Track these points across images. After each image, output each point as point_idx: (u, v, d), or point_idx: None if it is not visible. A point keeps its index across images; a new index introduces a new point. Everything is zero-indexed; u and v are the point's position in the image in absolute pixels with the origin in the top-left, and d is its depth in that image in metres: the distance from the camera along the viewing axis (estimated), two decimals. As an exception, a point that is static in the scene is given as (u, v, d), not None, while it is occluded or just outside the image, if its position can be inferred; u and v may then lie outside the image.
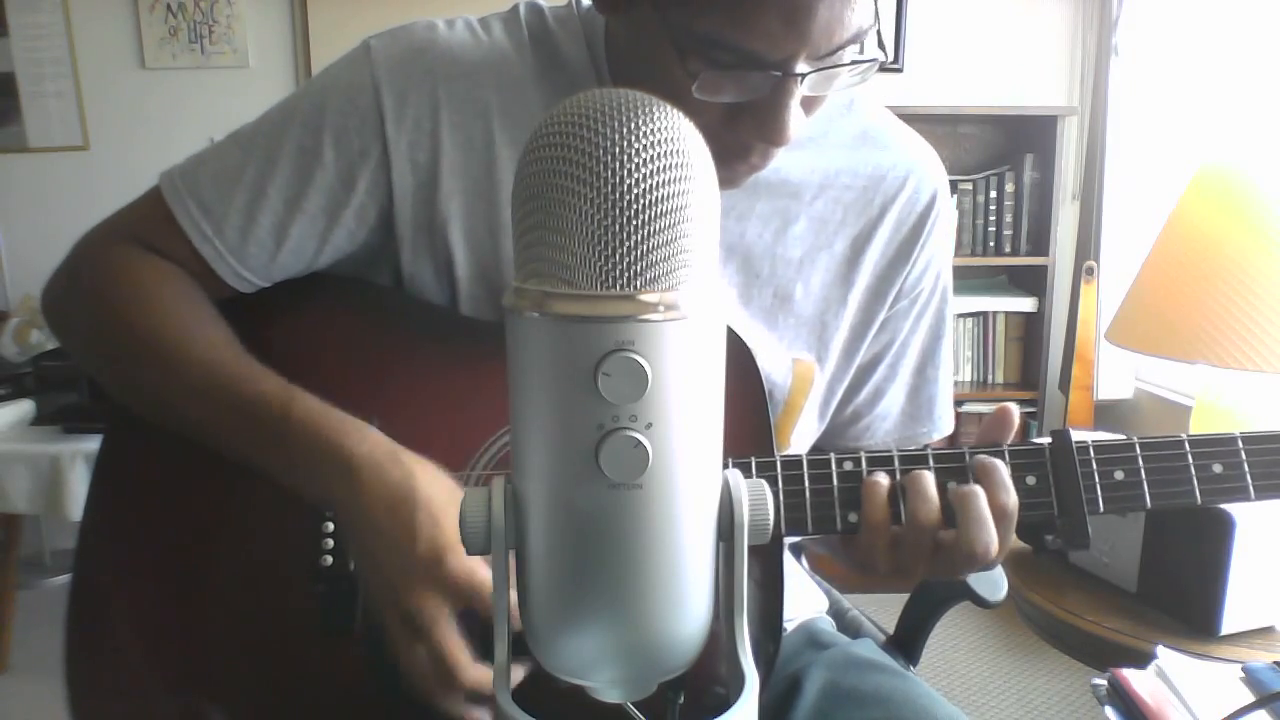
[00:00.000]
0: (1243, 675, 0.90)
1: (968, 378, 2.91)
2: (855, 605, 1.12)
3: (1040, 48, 2.90)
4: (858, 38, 0.61)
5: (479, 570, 0.62)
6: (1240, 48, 2.38)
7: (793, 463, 0.65)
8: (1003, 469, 0.63)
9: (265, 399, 0.67)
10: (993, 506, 0.62)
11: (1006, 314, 2.87)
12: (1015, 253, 2.84)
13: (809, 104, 0.65)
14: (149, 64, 2.78)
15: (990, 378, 2.91)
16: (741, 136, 0.64)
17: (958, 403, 2.77)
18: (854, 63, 0.63)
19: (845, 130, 0.81)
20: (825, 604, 1.04)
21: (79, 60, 2.76)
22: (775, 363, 0.80)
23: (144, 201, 0.76)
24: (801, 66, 0.60)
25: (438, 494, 0.64)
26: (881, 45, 0.65)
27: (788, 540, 0.89)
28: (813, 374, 0.82)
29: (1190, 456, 0.65)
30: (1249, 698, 0.85)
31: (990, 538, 0.62)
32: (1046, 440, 0.66)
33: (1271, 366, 1.27)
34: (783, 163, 0.74)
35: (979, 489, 0.62)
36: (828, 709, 0.80)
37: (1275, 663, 0.91)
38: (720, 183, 0.65)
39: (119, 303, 0.73)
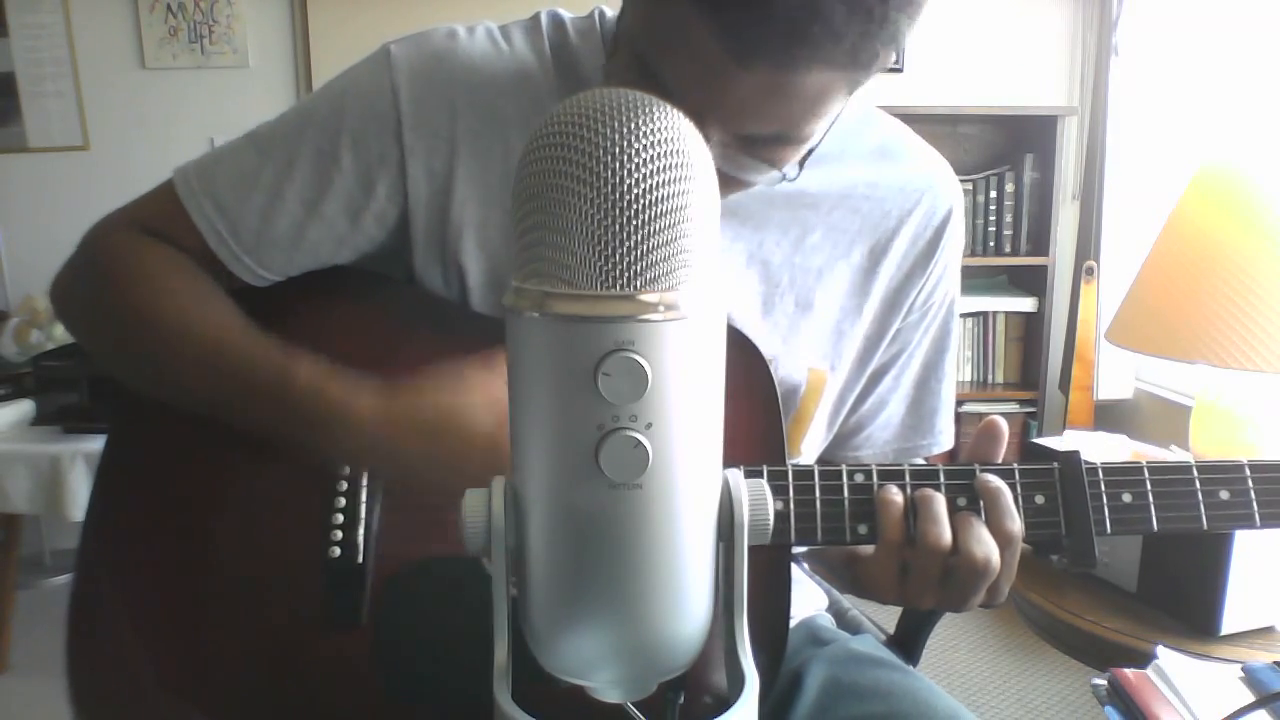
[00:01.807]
0: (1243, 675, 0.90)
1: (968, 378, 2.91)
2: (855, 605, 1.12)
3: (1040, 48, 2.90)
4: (782, 140, 0.61)
5: None
6: (1240, 48, 2.38)
7: (804, 473, 0.65)
8: (1008, 495, 0.63)
9: (268, 366, 0.68)
10: (998, 534, 0.62)
11: (1006, 314, 2.87)
12: (1015, 253, 2.84)
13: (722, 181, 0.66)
14: (149, 64, 2.78)
15: (990, 378, 2.91)
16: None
17: (958, 403, 2.77)
18: (771, 161, 0.63)
19: (863, 144, 0.81)
20: (825, 601, 1.04)
21: (79, 60, 2.76)
22: (793, 371, 0.80)
23: (157, 196, 0.76)
24: (711, 130, 0.59)
25: (457, 402, 0.65)
26: (801, 166, 0.65)
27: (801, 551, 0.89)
28: (824, 382, 0.82)
29: (1198, 482, 0.65)
30: (1249, 698, 0.85)
31: (991, 553, 0.62)
32: (1048, 443, 0.66)
33: (1271, 366, 1.27)
34: (801, 176, 0.74)
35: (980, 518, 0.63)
36: (829, 704, 0.80)
37: (1275, 663, 0.91)
38: None
39: (125, 281, 0.73)
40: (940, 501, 0.63)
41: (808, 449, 0.84)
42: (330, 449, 0.68)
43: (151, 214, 0.76)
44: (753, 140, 0.61)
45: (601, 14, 0.78)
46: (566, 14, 0.78)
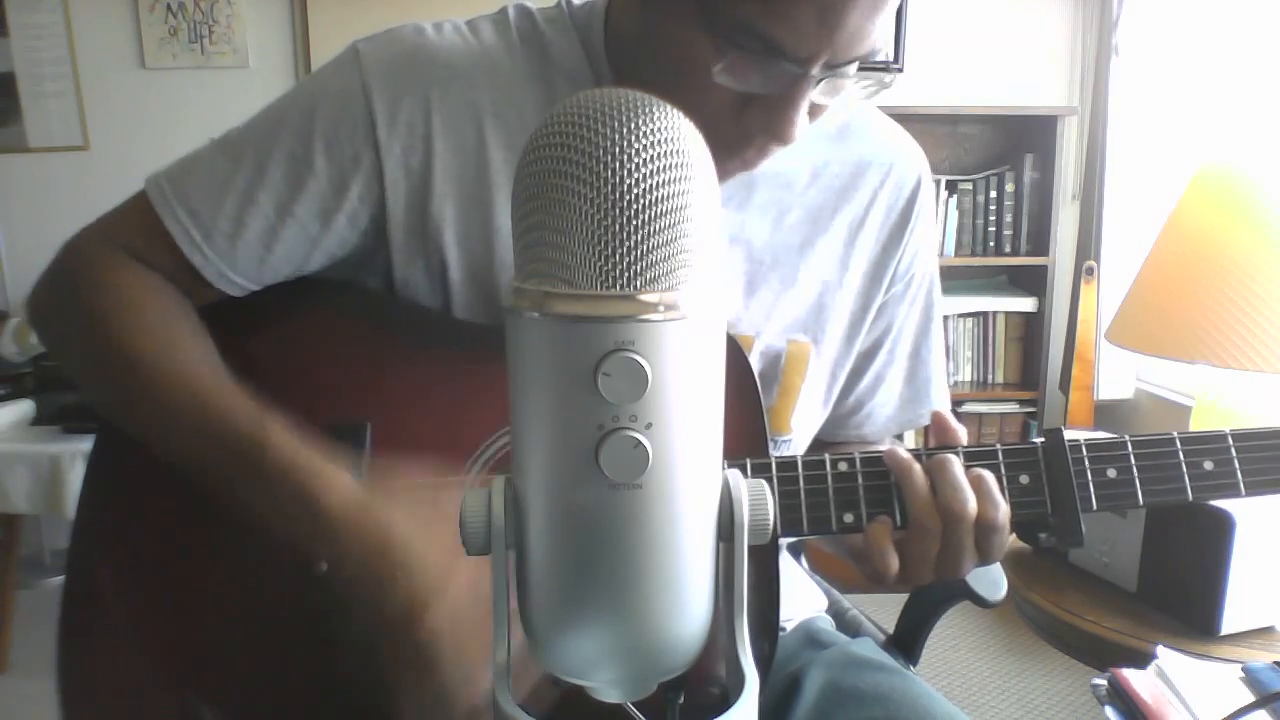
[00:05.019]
0: (1243, 675, 0.90)
1: (968, 378, 2.91)
2: (855, 605, 1.12)
3: (1040, 48, 2.90)
4: (871, 55, 0.63)
5: (457, 630, 0.59)
6: (1240, 48, 2.38)
7: (788, 464, 0.65)
8: (992, 481, 0.63)
9: (238, 436, 0.65)
10: (981, 519, 0.63)
11: (1006, 314, 2.87)
12: (1015, 253, 2.84)
13: (813, 111, 0.66)
14: (149, 64, 2.78)
15: (990, 378, 2.91)
16: (748, 129, 0.65)
17: (958, 403, 2.79)
18: (865, 73, 0.64)
19: (829, 124, 0.83)
20: (824, 603, 1.04)
21: (79, 60, 2.76)
22: (774, 342, 0.82)
23: (130, 207, 0.75)
24: (819, 69, 0.62)
25: (415, 537, 0.61)
26: (887, 67, 0.66)
27: (789, 541, 0.89)
28: (808, 354, 0.83)
29: (1181, 454, 0.66)
30: (1249, 698, 0.85)
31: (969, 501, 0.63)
32: (1039, 439, 0.66)
33: (1271, 366, 1.27)
34: (774, 156, 0.74)
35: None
36: (827, 708, 0.80)
37: (1275, 663, 0.91)
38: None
39: (101, 314, 0.72)
40: (955, 463, 0.64)
41: (799, 425, 0.84)
42: (295, 529, 0.63)
43: (126, 227, 0.75)
44: (849, 63, 0.63)
45: (569, 1, 0.78)
46: (532, 5, 0.79)
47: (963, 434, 0.68)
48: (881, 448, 0.66)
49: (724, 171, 0.70)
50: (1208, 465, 0.66)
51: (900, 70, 0.67)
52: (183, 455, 0.68)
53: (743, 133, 0.66)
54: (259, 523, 0.64)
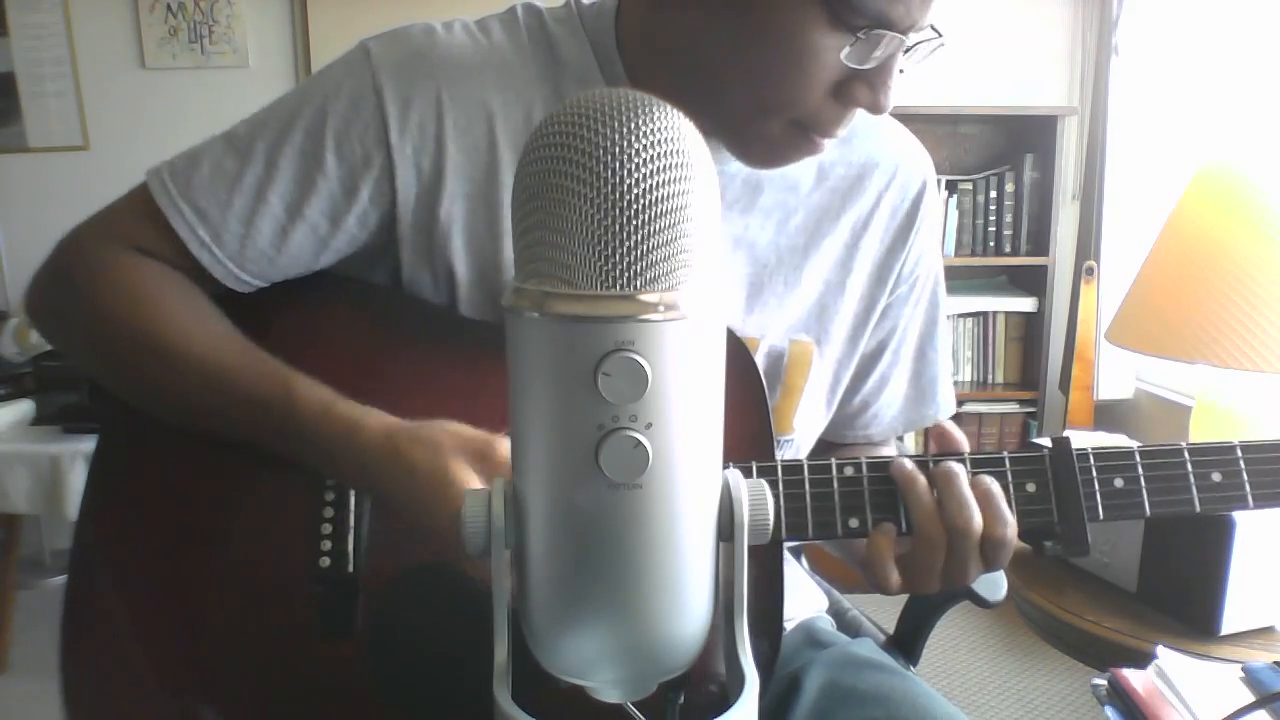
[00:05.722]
0: (1243, 675, 0.90)
1: (968, 378, 2.91)
2: (855, 605, 1.12)
3: (1040, 48, 2.90)
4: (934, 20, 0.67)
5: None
6: (1240, 48, 2.38)
7: (794, 467, 0.65)
8: (999, 496, 0.63)
9: (265, 395, 0.68)
10: (988, 535, 0.62)
11: (1006, 314, 2.87)
12: (1015, 253, 2.84)
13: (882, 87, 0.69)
14: (149, 64, 2.78)
15: (990, 378, 2.91)
16: (850, 103, 0.67)
17: (958, 403, 2.78)
18: (930, 40, 0.68)
19: None
20: (825, 603, 1.04)
21: (79, 60, 2.76)
22: (777, 345, 0.82)
23: (132, 202, 0.74)
24: (912, 36, 0.65)
25: (435, 460, 0.63)
26: (939, 32, 0.69)
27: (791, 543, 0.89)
28: (810, 355, 0.83)
29: (1190, 465, 0.65)
30: (1249, 698, 0.85)
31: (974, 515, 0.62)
32: (1047, 444, 0.66)
33: (1271, 366, 1.27)
34: None
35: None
36: (827, 708, 0.80)
37: (1275, 663, 0.91)
38: (771, 161, 0.69)
39: (115, 307, 0.72)
40: (961, 473, 0.63)
41: (802, 425, 0.84)
42: (330, 464, 0.67)
43: (128, 223, 0.74)
44: (923, 32, 0.66)
45: (577, 1, 0.78)
46: (541, 4, 0.79)
47: (964, 444, 0.67)
48: (887, 453, 0.66)
49: (814, 149, 0.72)
50: (1216, 477, 0.65)
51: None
52: (212, 424, 0.70)
53: (844, 108, 0.68)
54: (300, 464, 0.68)
